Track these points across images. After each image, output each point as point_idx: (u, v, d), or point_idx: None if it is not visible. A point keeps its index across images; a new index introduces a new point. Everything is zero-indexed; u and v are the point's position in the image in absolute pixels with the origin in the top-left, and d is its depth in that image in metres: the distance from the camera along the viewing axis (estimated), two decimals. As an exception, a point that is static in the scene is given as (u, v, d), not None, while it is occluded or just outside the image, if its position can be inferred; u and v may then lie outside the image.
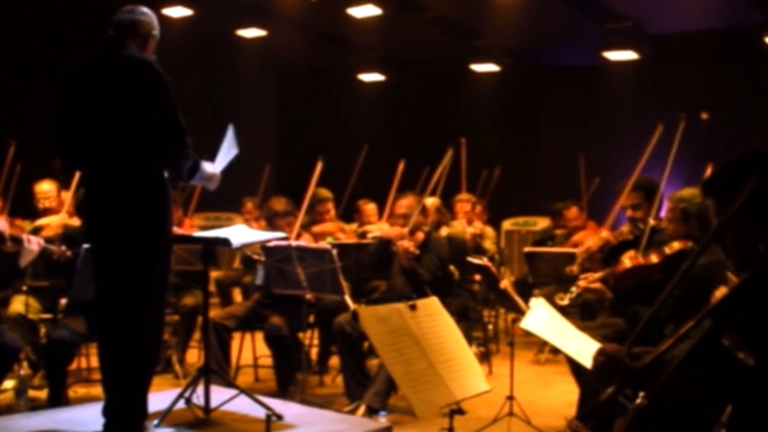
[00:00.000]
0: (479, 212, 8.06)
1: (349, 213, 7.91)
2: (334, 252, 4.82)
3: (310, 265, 4.86)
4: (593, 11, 9.41)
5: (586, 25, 9.64)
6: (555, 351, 5.97)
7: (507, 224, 10.87)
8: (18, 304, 5.18)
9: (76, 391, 5.10)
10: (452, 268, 5.59)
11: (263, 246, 5.11)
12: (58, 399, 4.50)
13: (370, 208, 7.44)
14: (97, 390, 4.50)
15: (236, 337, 5.63)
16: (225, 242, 3.97)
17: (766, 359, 1.94)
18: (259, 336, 5.51)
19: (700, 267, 3.49)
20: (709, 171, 5.79)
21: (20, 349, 4.30)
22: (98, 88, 3.43)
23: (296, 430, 3.79)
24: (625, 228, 4.44)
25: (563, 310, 4.24)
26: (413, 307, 3.26)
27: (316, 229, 6.04)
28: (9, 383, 4.75)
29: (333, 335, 5.20)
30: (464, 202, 7.59)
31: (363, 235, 6.68)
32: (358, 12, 9.01)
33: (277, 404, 4.11)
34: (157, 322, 3.63)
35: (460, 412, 3.16)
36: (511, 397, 4.48)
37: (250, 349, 5.99)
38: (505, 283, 4.69)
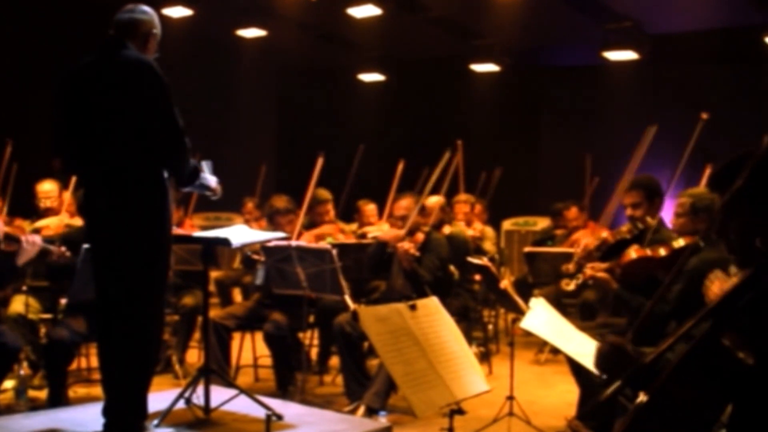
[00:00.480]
0: (479, 212, 8.05)
1: (348, 213, 7.90)
2: (334, 252, 4.83)
3: (310, 265, 4.87)
4: (593, 11, 9.40)
5: (586, 25, 9.62)
6: (555, 351, 5.97)
7: (507, 224, 10.87)
8: (18, 304, 5.18)
9: (76, 391, 5.09)
10: (452, 268, 5.59)
11: (263, 246, 5.12)
12: (58, 399, 4.51)
13: (370, 208, 7.43)
14: (97, 390, 4.49)
15: (236, 337, 5.63)
16: (225, 242, 3.98)
17: (766, 359, 1.94)
18: (259, 336, 5.51)
19: (704, 263, 3.47)
20: (708, 171, 5.79)
21: (20, 349, 4.30)
22: (97, 88, 3.44)
23: (296, 430, 3.80)
24: (625, 227, 4.44)
25: (563, 310, 4.23)
26: (413, 307, 3.26)
27: (315, 232, 6.03)
28: (9, 383, 4.74)
29: (333, 335, 5.20)
30: (463, 203, 7.57)
31: (363, 235, 6.67)
32: (358, 12, 9.01)
33: (277, 404, 4.12)
34: (157, 322, 3.63)
35: (460, 412, 3.16)
36: (511, 397, 4.48)
37: (250, 349, 5.99)
38: (505, 283, 4.69)
